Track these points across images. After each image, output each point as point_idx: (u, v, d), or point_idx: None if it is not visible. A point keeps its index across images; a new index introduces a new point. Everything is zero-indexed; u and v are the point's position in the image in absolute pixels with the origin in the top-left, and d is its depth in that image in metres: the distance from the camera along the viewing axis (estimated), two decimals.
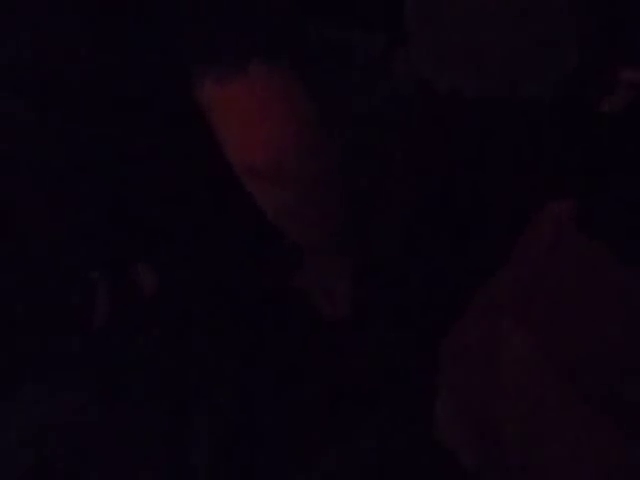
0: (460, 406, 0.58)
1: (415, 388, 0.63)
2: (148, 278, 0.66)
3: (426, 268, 0.87)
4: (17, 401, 0.64)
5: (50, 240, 0.65)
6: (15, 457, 0.63)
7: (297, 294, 0.65)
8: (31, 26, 0.57)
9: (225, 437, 0.66)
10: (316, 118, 0.56)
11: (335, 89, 0.63)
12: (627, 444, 0.49)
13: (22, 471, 0.62)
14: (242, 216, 0.61)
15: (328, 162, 0.59)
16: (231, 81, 0.52)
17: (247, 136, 0.54)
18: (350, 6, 1.20)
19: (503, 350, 0.55)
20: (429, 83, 1.10)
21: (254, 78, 0.52)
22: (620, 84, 1.06)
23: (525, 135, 1.03)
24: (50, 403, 0.65)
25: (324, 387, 0.67)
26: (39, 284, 0.65)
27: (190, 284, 0.66)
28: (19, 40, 0.57)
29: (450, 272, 0.80)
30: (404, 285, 0.79)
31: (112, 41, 0.57)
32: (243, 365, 0.67)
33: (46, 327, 0.65)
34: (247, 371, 0.67)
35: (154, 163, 0.62)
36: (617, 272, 0.51)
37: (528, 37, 1.03)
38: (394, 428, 0.64)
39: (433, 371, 0.60)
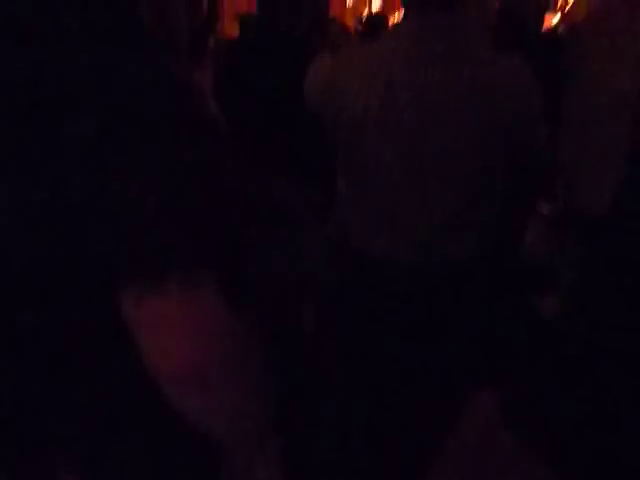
0: None
1: None
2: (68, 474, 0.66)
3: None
4: None
5: None
6: None
7: None
8: None
9: None
10: (233, 327, 0.58)
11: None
12: None
13: None
14: (165, 418, 0.61)
15: (248, 368, 0.60)
16: (147, 300, 0.53)
17: (166, 348, 0.55)
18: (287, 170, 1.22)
19: None
20: (352, 245, 1.12)
21: (169, 296, 0.53)
22: (538, 219, 1.12)
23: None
24: None
25: None
26: None
27: None
28: None
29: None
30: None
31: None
32: None
33: None
34: None
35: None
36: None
37: (441, 212, 1.08)
38: None
39: None
